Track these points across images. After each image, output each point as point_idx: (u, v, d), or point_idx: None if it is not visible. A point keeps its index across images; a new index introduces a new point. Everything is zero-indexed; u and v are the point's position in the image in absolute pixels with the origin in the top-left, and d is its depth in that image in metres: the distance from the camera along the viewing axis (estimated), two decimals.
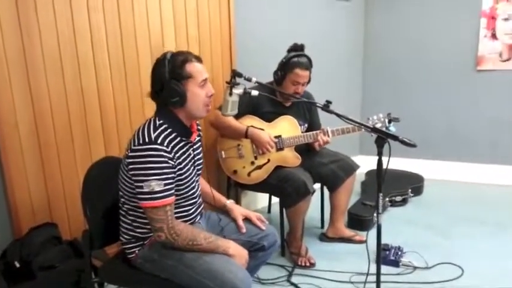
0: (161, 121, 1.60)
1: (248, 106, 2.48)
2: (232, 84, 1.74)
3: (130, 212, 1.66)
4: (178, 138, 1.62)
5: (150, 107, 2.28)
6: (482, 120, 3.96)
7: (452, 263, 2.54)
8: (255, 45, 3.17)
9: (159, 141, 1.52)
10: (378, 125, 2.48)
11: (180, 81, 1.56)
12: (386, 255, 2.60)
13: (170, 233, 1.54)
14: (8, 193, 2.09)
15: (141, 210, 1.59)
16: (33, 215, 2.18)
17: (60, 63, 2.17)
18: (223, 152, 2.59)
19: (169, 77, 1.54)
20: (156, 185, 1.49)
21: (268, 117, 2.56)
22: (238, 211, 1.88)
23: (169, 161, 1.53)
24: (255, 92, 1.77)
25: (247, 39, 3.10)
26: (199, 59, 1.62)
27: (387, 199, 3.42)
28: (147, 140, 1.51)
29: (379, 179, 1.70)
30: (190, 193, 1.70)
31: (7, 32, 1.97)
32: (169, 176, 1.53)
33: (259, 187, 2.61)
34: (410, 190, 3.60)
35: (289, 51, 2.55)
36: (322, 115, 2.83)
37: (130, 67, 2.44)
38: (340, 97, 3.94)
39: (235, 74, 1.76)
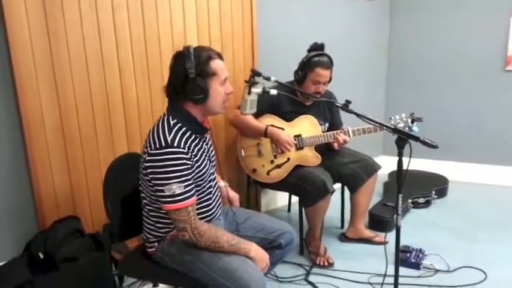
0: (175, 120, 1.59)
1: (268, 105, 2.48)
2: (250, 83, 1.75)
3: (153, 213, 1.68)
4: (193, 136, 1.63)
5: None
6: (510, 121, 3.83)
7: (475, 267, 2.48)
8: (276, 45, 3.17)
9: (175, 144, 1.52)
10: (400, 125, 2.44)
11: (205, 77, 1.56)
12: (407, 258, 2.55)
13: (193, 234, 1.55)
14: (33, 187, 2.16)
15: (163, 212, 1.61)
16: (57, 209, 2.25)
17: (86, 62, 2.23)
18: (242, 151, 2.60)
19: (195, 72, 1.53)
20: (176, 188, 1.50)
21: (289, 117, 2.56)
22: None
23: (188, 162, 1.54)
24: (274, 91, 1.77)
25: (269, 40, 3.10)
26: (220, 56, 1.62)
27: (410, 201, 3.36)
28: (163, 143, 1.51)
29: (399, 180, 1.68)
30: (208, 186, 1.71)
31: (35, 32, 2.05)
32: (189, 177, 1.54)
33: (278, 186, 2.61)
34: (434, 192, 3.53)
35: (309, 50, 2.54)
36: (344, 115, 2.81)
37: (153, 65, 2.48)
38: (363, 97, 3.94)
39: (254, 73, 1.76)
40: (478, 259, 2.57)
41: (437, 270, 2.47)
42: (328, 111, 2.71)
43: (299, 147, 2.53)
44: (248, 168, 2.61)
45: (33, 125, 2.11)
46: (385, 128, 1.69)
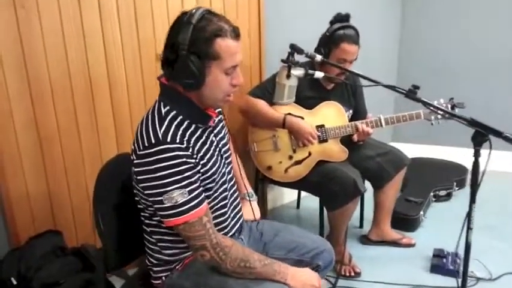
0: (168, 107, 1.21)
1: None
2: (290, 63, 1.34)
3: (154, 230, 1.30)
4: (194, 126, 1.24)
5: None
6: None
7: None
8: (285, 21, 2.75)
9: (168, 139, 1.14)
10: (439, 112, 2.08)
11: (203, 59, 1.14)
12: (444, 264, 2.25)
13: (216, 251, 1.19)
14: (2, 195, 1.74)
15: (166, 227, 1.24)
16: (33, 221, 1.84)
17: (62, 37, 1.77)
18: (255, 145, 2.20)
19: (188, 49, 1.12)
20: (179, 196, 1.13)
21: (309, 103, 2.17)
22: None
23: (188, 160, 1.16)
24: (319, 74, 1.37)
25: (277, 17, 2.67)
26: (236, 34, 1.18)
27: (431, 194, 3.05)
28: (153, 140, 1.13)
29: (474, 187, 1.33)
30: (221, 190, 1.34)
31: None
32: (193, 179, 1.17)
33: (296, 185, 2.23)
34: (455, 183, 3.22)
35: (331, 22, 2.14)
36: (368, 100, 2.44)
37: (145, 42, 2.03)
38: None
39: (294, 49, 1.35)
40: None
41: (478, 279, 2.17)
42: (353, 97, 2.32)
43: (322, 140, 2.15)
44: (262, 166, 2.21)
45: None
46: (459, 119, 1.32)
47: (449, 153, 3.71)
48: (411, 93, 1.26)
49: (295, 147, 2.15)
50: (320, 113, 2.17)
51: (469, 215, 1.37)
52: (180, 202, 1.13)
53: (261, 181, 2.45)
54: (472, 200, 1.35)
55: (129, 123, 2.04)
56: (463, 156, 3.61)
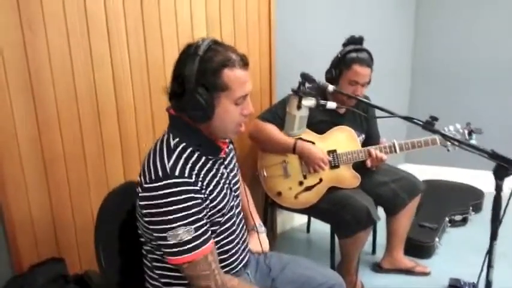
0: (177, 139, 1.17)
1: None
2: (301, 93, 1.29)
3: (157, 265, 1.26)
4: (204, 158, 1.19)
5: None
6: None
7: None
8: (296, 43, 2.70)
9: (177, 172, 1.10)
10: (457, 137, 2.00)
11: (211, 91, 1.11)
12: None
13: None
14: (4, 219, 1.69)
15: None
16: (36, 246, 1.78)
17: (70, 60, 1.74)
18: (264, 170, 2.14)
19: (195, 82, 1.09)
20: (184, 233, 1.08)
21: (320, 128, 2.10)
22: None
23: (196, 195, 1.11)
24: (331, 105, 1.32)
25: (288, 37, 2.64)
26: (245, 62, 1.15)
27: (447, 219, 2.95)
28: (161, 173, 1.09)
29: (495, 224, 1.25)
30: (229, 224, 1.29)
31: (5, 23, 1.56)
32: (200, 215, 1.12)
33: (307, 211, 2.16)
34: (471, 208, 3.11)
35: (345, 45, 2.10)
36: (381, 124, 2.38)
37: (154, 63, 1.99)
38: (386, 99, 3.48)
39: (305, 78, 1.30)
40: None
41: None
42: (365, 121, 2.26)
43: (334, 165, 2.09)
44: (272, 192, 2.15)
45: (3, 141, 1.63)
46: (482, 153, 1.25)
47: (464, 175, 3.60)
48: (429, 125, 1.20)
49: (305, 173, 2.08)
50: (331, 138, 2.11)
51: (489, 253, 1.28)
52: (185, 240, 1.08)
53: (271, 205, 2.38)
54: (493, 237, 1.27)
55: (137, 148, 1.99)
56: (478, 179, 3.54)
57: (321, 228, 2.84)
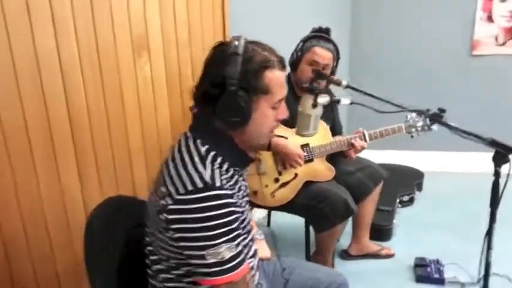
0: (206, 146, 1.06)
1: None
2: (317, 91, 1.21)
3: (169, 285, 1.12)
4: (232, 170, 1.10)
5: (133, 113, 1.78)
6: (476, 106, 3.74)
7: (498, 274, 2.23)
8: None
9: (217, 183, 0.99)
10: (419, 124, 2.08)
11: (250, 94, 1.02)
12: (428, 273, 2.27)
13: None
14: None
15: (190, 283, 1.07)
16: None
17: (12, 59, 1.47)
18: None
19: (238, 84, 0.99)
20: (226, 250, 0.98)
21: (291, 121, 2.04)
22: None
23: (236, 210, 1.03)
24: (346, 101, 1.26)
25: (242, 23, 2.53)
26: (283, 64, 1.07)
27: (397, 200, 3.09)
28: (199, 183, 0.97)
29: (494, 207, 1.30)
30: (247, 240, 1.19)
31: None
32: (240, 231, 1.03)
33: (283, 208, 2.11)
34: (415, 187, 3.31)
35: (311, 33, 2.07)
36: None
37: (106, 59, 1.76)
38: None
39: (318, 75, 1.23)
40: (495, 262, 2.34)
41: (463, 284, 2.21)
42: (330, 111, 2.25)
43: (308, 160, 2.05)
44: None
45: None
46: (480, 140, 1.28)
47: (401, 157, 3.81)
48: (437, 117, 1.20)
49: (280, 169, 2.03)
50: None
51: (489, 234, 1.34)
52: (227, 258, 0.98)
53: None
54: (492, 219, 1.32)
55: (91, 147, 1.77)
56: (416, 159, 3.77)
57: (282, 221, 2.83)
